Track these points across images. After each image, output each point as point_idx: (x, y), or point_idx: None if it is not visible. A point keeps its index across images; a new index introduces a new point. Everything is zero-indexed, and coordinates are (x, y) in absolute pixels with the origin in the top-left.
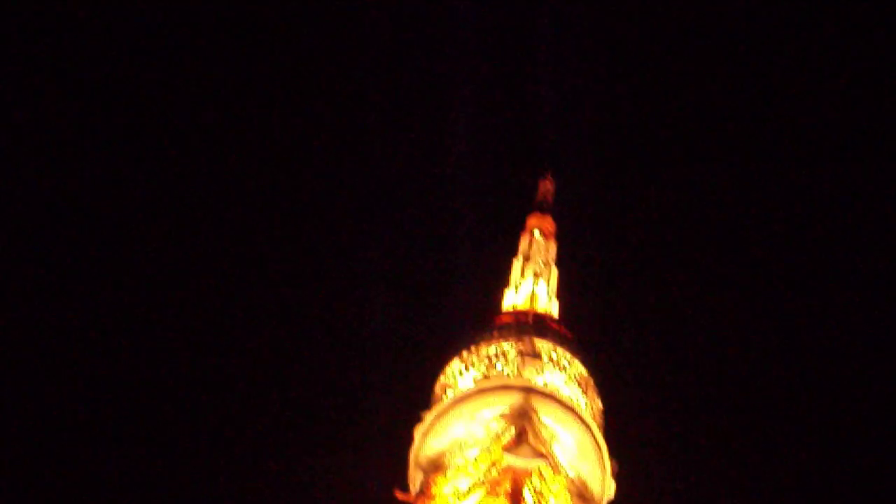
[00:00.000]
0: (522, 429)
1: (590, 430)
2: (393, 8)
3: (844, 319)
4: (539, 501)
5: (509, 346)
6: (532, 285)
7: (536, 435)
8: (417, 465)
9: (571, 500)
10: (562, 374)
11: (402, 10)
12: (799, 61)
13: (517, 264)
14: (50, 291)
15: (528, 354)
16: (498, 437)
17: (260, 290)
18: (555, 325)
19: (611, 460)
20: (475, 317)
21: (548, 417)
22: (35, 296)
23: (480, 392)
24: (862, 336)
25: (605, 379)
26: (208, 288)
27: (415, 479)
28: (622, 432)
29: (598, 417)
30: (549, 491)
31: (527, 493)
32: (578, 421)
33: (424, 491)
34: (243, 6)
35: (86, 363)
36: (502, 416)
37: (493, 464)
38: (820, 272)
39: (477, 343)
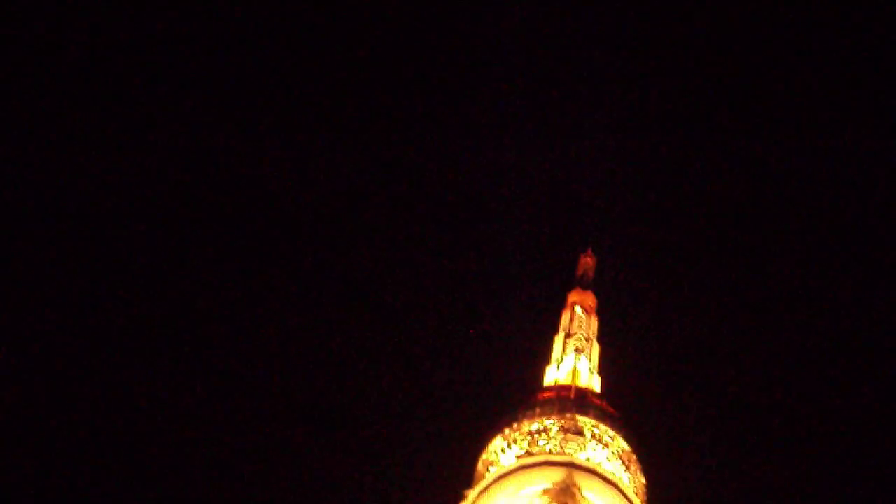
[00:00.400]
0: None
1: None
2: (439, 73)
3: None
4: None
5: (551, 422)
6: (574, 361)
7: None
8: None
9: None
10: (604, 449)
11: (450, 78)
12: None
13: (559, 340)
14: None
15: (571, 430)
16: None
17: (300, 357)
18: (597, 401)
19: None
20: (517, 393)
21: (590, 493)
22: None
23: (523, 468)
24: None
25: (648, 454)
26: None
27: None
28: None
29: (641, 493)
30: None
31: None
32: (621, 496)
33: None
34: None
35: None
36: (545, 492)
37: None
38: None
39: (519, 420)
